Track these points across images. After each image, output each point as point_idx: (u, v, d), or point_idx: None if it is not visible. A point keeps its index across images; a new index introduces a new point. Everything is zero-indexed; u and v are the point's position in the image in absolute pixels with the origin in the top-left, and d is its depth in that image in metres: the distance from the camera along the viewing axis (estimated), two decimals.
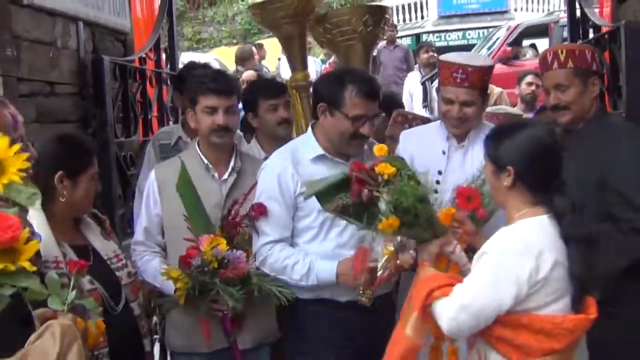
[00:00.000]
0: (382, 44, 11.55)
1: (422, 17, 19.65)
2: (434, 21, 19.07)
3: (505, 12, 18.30)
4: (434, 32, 18.48)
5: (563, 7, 11.96)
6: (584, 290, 2.42)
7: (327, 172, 2.83)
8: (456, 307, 2.35)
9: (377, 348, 2.90)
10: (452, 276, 2.50)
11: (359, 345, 2.99)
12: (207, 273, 2.85)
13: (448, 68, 3.14)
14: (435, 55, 10.08)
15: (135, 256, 3.17)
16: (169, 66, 5.48)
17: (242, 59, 9.16)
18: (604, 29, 4.26)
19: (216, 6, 23.51)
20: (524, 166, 2.42)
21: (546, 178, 2.44)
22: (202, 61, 9.93)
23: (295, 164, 2.99)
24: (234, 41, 20.30)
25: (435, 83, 5.78)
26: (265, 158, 3.47)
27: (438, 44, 16.69)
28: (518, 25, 13.61)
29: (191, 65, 4.48)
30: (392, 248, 2.74)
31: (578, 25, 4.92)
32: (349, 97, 2.91)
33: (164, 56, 5.41)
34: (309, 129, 3.14)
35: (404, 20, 20.08)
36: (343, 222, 2.85)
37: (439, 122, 3.34)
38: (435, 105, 7.86)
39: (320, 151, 3.01)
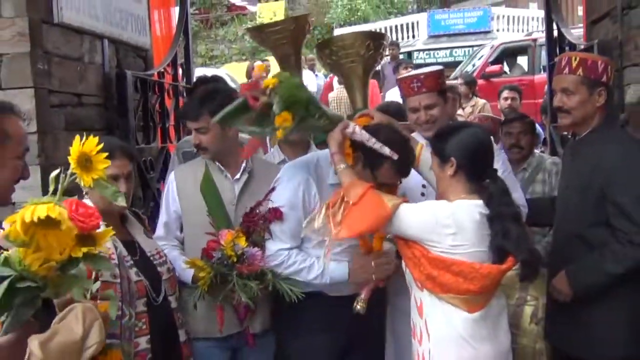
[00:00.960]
0: (385, 59, 11.64)
1: (414, 37, 19.63)
2: (424, 40, 19.04)
3: (489, 32, 18.26)
4: (424, 50, 18.43)
5: (541, 28, 11.96)
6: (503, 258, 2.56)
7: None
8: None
9: (368, 336, 3.00)
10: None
11: (350, 331, 2.98)
12: (227, 266, 2.87)
13: (405, 82, 3.25)
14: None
15: None
16: (185, 80, 5.49)
17: (249, 74, 9.25)
18: (580, 47, 4.26)
19: (227, 26, 23.51)
20: (464, 157, 2.61)
21: (481, 168, 2.64)
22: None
23: (318, 184, 2.93)
24: (243, 57, 20.28)
25: None
26: (282, 161, 3.51)
27: (428, 61, 16.70)
28: (500, 44, 13.61)
29: (202, 79, 4.48)
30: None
31: (556, 44, 4.93)
32: (385, 170, 2.80)
33: (180, 71, 5.43)
34: None
35: (397, 39, 20.06)
36: None
37: (415, 133, 3.34)
38: None
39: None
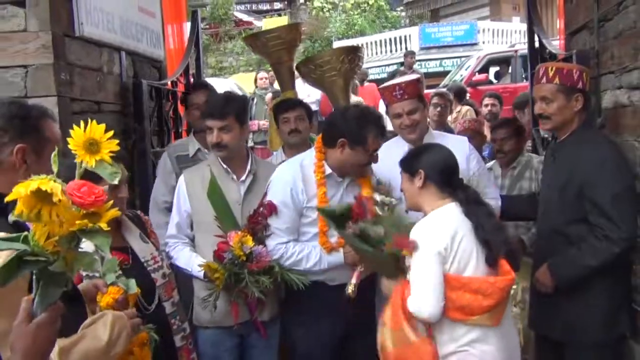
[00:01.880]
0: (402, 69, 11.66)
1: (406, 49, 19.59)
2: (416, 51, 19.05)
3: (475, 44, 18.27)
4: (416, 61, 18.42)
5: (524, 40, 11.94)
6: (492, 250, 2.53)
7: (330, 189, 2.98)
8: (417, 302, 2.51)
9: (367, 323, 2.97)
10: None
11: (348, 318, 3.00)
12: (237, 265, 2.86)
13: (387, 90, 3.25)
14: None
15: (169, 247, 3.16)
16: None
17: (257, 81, 9.27)
18: (560, 57, 4.24)
19: (235, 40, 23.52)
20: (431, 167, 2.63)
21: (447, 176, 2.64)
22: (221, 85, 9.98)
23: (305, 181, 2.98)
24: (250, 68, 20.28)
25: None
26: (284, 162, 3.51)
27: (420, 71, 16.70)
28: (485, 55, 13.60)
29: (195, 85, 4.48)
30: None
31: (537, 54, 4.91)
32: (371, 138, 2.91)
33: (192, 80, 5.41)
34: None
35: (391, 51, 20.04)
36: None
37: (397, 137, 3.37)
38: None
39: (329, 171, 3.01)
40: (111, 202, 1.50)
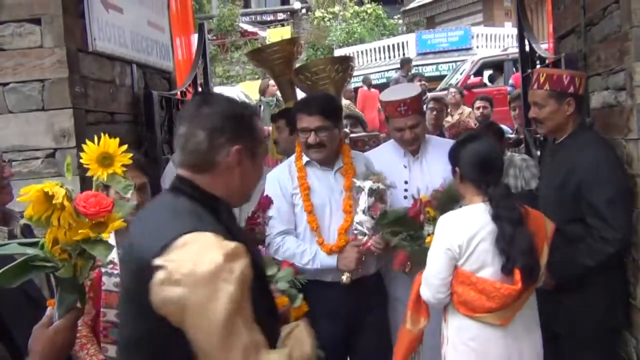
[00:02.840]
0: (399, 73, 11.65)
1: (404, 54, 19.60)
2: (413, 57, 18.92)
3: (470, 49, 18.22)
4: (414, 65, 18.42)
5: (516, 43, 11.94)
6: (510, 259, 2.48)
7: (312, 172, 3.04)
8: (423, 284, 2.61)
9: (365, 320, 2.96)
10: None
11: (348, 316, 2.96)
12: None
13: (392, 105, 3.14)
14: (426, 84, 10.06)
15: None
16: None
17: (262, 91, 9.22)
18: (549, 60, 4.24)
19: (241, 49, 23.54)
20: (466, 165, 2.64)
21: (481, 175, 2.61)
22: (228, 92, 9.97)
23: (290, 172, 3.07)
24: (256, 77, 20.25)
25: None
26: None
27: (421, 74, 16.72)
28: (479, 59, 13.59)
29: (197, 94, 4.49)
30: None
31: (528, 57, 4.91)
32: (297, 115, 3.03)
33: (200, 90, 5.42)
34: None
35: (389, 57, 20.03)
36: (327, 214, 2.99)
37: (392, 142, 3.33)
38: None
39: (307, 159, 3.07)
40: (119, 214, 1.49)
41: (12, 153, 3.19)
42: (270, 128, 8.61)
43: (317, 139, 2.95)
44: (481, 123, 6.52)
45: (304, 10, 26.66)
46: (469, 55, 16.25)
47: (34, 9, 3.24)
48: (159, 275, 1.37)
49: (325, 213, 2.98)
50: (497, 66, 13.07)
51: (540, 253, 2.57)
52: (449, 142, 3.59)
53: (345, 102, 7.32)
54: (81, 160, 1.52)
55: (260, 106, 8.98)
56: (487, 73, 13.26)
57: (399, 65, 18.99)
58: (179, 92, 4.85)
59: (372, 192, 2.86)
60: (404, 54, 19.52)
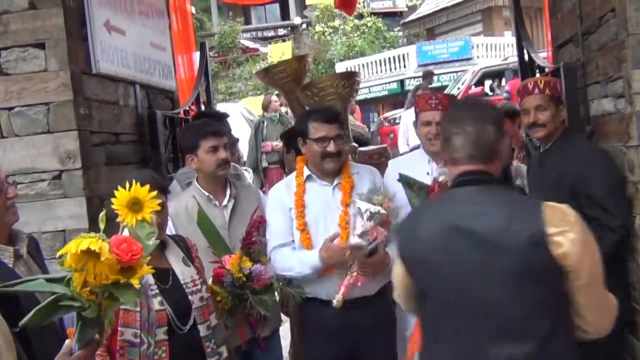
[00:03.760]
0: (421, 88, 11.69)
1: (405, 66, 19.72)
2: (414, 69, 19.12)
3: (470, 59, 18.32)
4: (414, 77, 18.48)
5: (516, 53, 11.96)
6: None
7: (311, 188, 2.99)
8: None
9: (368, 344, 2.88)
10: None
11: (347, 339, 2.89)
12: (238, 287, 2.78)
13: (423, 98, 3.20)
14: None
15: None
16: None
17: (265, 107, 9.26)
18: (548, 69, 4.27)
19: (243, 66, 23.72)
20: None
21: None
22: (231, 109, 9.98)
23: (289, 187, 3.05)
24: (258, 92, 20.41)
25: None
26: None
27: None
28: (480, 69, 13.65)
29: (199, 114, 4.46)
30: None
31: (527, 67, 4.94)
32: (311, 127, 2.96)
33: (203, 108, 5.46)
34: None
35: (391, 69, 20.13)
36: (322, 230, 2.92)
37: (420, 150, 3.33)
38: None
39: (308, 172, 3.03)
40: (148, 258, 1.55)
41: (19, 176, 3.21)
42: (274, 143, 8.72)
43: (337, 148, 2.93)
44: None
45: (304, 25, 26.83)
46: (469, 66, 16.32)
47: (39, 34, 3.29)
48: (553, 234, 1.71)
49: (320, 229, 2.92)
50: (497, 75, 13.11)
51: None
52: None
53: (349, 117, 7.36)
54: (112, 206, 1.57)
55: (263, 122, 9.03)
56: (488, 83, 13.30)
57: (400, 78, 19.13)
58: (182, 111, 4.89)
59: (371, 216, 2.74)
60: (404, 66, 19.63)
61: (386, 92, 19.47)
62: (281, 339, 3.32)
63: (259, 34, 27.63)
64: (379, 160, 4.12)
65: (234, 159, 3.44)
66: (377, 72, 20.41)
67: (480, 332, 1.76)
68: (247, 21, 28.22)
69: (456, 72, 16.81)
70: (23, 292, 1.55)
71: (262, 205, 3.14)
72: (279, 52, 21.91)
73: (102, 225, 1.55)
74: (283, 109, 9.34)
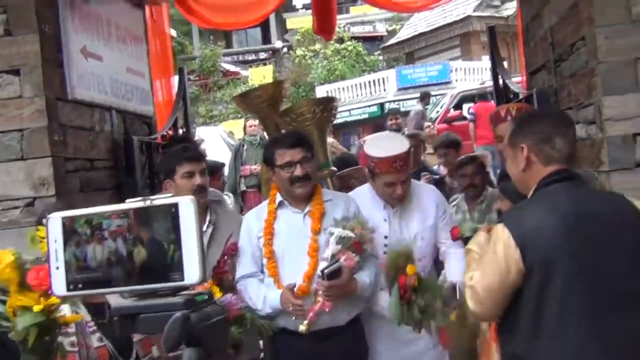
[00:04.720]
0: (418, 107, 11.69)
1: (385, 90, 19.88)
2: (394, 92, 19.28)
3: (449, 82, 18.53)
4: (394, 100, 18.63)
5: None
6: None
7: (282, 215, 2.93)
8: None
9: None
10: None
11: None
12: None
13: (387, 162, 2.95)
14: (401, 122, 10.09)
15: None
16: None
17: (245, 129, 9.29)
18: (522, 95, 4.35)
19: (223, 89, 23.76)
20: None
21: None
22: (211, 132, 9.87)
23: (259, 214, 3.01)
24: (239, 115, 20.37)
25: None
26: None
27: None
28: (458, 93, 13.82)
29: (175, 138, 4.43)
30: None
31: (501, 93, 5.02)
32: (276, 152, 2.91)
33: (180, 132, 5.44)
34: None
35: (371, 92, 20.28)
36: (289, 259, 2.88)
37: (370, 191, 3.14)
38: None
39: (280, 199, 2.98)
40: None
41: None
42: (253, 167, 8.71)
43: (304, 171, 2.87)
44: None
45: (285, 49, 27.02)
46: (448, 89, 16.50)
47: (14, 60, 3.27)
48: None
49: (287, 258, 2.88)
50: (475, 99, 13.27)
51: None
52: (428, 187, 3.55)
53: (329, 140, 7.36)
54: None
55: (243, 145, 9.03)
56: (466, 106, 13.46)
57: (380, 101, 19.28)
58: (159, 137, 4.87)
59: (340, 240, 2.71)
60: (384, 90, 19.80)
61: (366, 115, 19.58)
62: None
63: (240, 58, 27.75)
64: (349, 182, 4.08)
65: (218, 185, 3.39)
66: (357, 96, 20.54)
67: (612, 307, 1.89)
68: (229, 44, 28.35)
69: (435, 95, 16.97)
70: None
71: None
72: (260, 75, 22.01)
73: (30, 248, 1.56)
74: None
